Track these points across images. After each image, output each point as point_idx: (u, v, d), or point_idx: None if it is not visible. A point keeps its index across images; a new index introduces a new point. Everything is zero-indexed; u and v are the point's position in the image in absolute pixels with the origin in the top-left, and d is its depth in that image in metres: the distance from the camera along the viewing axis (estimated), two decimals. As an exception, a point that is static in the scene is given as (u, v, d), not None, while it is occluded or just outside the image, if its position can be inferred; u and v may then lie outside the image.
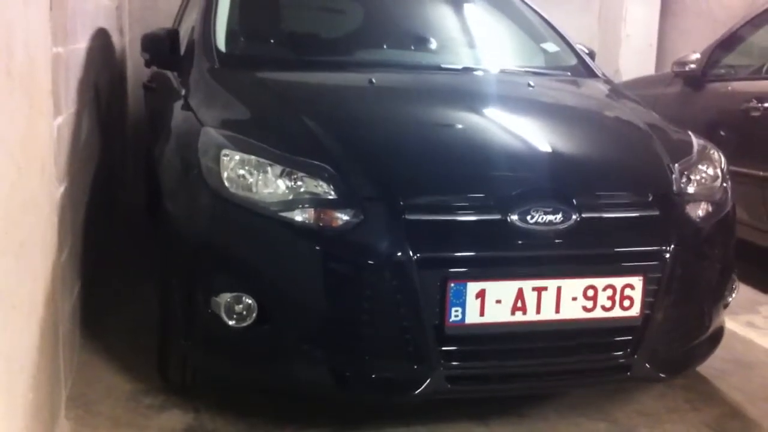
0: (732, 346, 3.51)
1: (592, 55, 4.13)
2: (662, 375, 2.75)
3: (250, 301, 2.49)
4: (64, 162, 3.00)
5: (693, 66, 5.19)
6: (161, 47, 3.48)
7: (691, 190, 2.83)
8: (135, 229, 4.92)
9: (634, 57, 7.55)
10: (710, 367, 3.19)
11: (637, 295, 2.55)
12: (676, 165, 2.84)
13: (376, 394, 2.57)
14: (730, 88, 4.99)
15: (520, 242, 2.49)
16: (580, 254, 2.57)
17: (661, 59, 7.73)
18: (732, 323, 3.74)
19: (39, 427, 2.26)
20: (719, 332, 3.00)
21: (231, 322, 2.50)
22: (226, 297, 2.49)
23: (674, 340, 2.74)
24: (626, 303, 2.55)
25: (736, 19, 5.24)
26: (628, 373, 2.65)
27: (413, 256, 2.40)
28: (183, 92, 3.33)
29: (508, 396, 2.91)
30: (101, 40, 4.53)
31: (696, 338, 2.85)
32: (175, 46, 3.51)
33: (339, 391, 2.57)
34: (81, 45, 3.71)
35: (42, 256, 2.38)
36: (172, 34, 3.53)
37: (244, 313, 2.49)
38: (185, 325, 2.69)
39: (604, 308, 2.54)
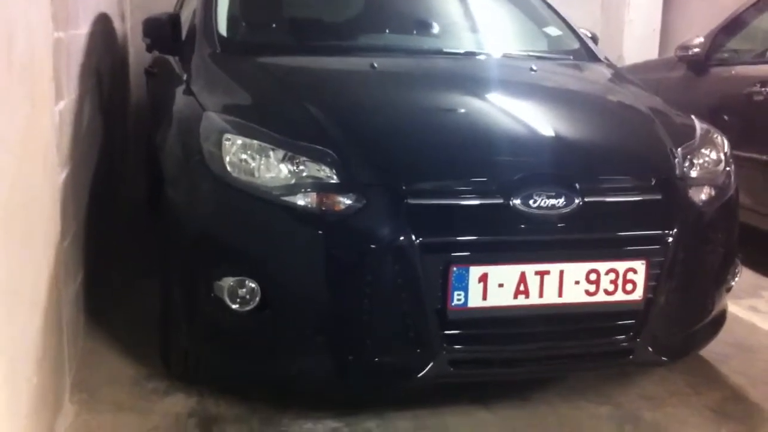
0: (734, 330, 3.50)
1: (595, 39, 4.11)
2: (664, 359, 2.75)
3: (253, 285, 2.49)
4: (66, 148, 3.00)
5: (696, 50, 5.18)
6: (163, 32, 3.47)
7: (693, 174, 2.82)
8: (137, 215, 4.92)
9: (637, 42, 7.54)
10: (712, 351, 3.19)
11: (639, 279, 2.56)
12: (679, 149, 2.83)
13: (379, 378, 2.58)
14: (733, 72, 4.98)
15: (522, 226, 2.49)
16: (583, 238, 2.57)
17: (664, 44, 7.72)
18: (735, 307, 3.74)
19: (44, 410, 2.27)
20: (722, 316, 3.00)
21: (234, 306, 2.50)
22: (229, 281, 2.50)
23: (676, 324, 2.75)
24: (629, 287, 2.55)
25: (739, 3, 5.21)
26: (631, 357, 2.66)
27: (415, 240, 2.40)
28: (185, 77, 3.33)
29: (511, 380, 2.92)
30: (103, 25, 4.51)
31: (698, 322, 2.85)
32: (177, 31, 3.50)
33: (342, 375, 2.57)
34: (82, 30, 3.70)
35: (45, 243, 2.38)
36: (174, 19, 3.52)
37: (248, 297, 2.50)
38: (188, 309, 2.70)
39: (606, 292, 2.54)
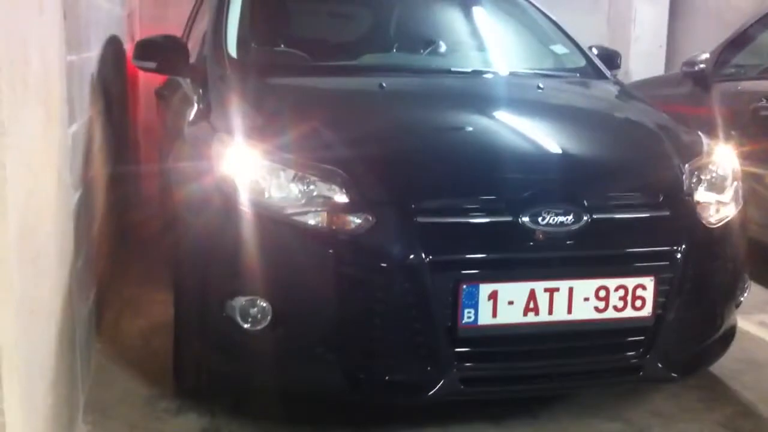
0: (744, 345, 3.51)
1: (615, 56, 4.15)
2: (674, 375, 2.75)
3: (264, 305, 2.51)
4: (79, 170, 3.03)
5: (702, 66, 5.20)
6: (169, 54, 3.48)
7: (701, 190, 2.84)
8: (149, 237, 4.95)
9: (643, 58, 7.58)
10: (723, 366, 3.20)
11: (648, 295, 2.57)
12: (686, 165, 2.84)
13: (390, 396, 2.60)
14: (739, 87, 5.00)
15: (531, 244, 2.51)
16: (592, 255, 2.59)
17: (670, 60, 7.74)
18: (744, 322, 3.74)
19: (58, 430, 2.29)
20: (731, 332, 3.00)
21: (246, 326, 2.52)
22: (240, 300, 2.52)
23: (686, 340, 2.75)
24: (638, 303, 2.56)
25: (744, 19, 5.24)
26: (641, 374, 2.67)
27: (425, 258, 2.42)
28: (195, 99, 3.36)
29: (521, 397, 2.92)
30: (113, 47, 4.57)
31: (708, 338, 2.86)
32: (182, 53, 3.52)
33: (353, 393, 2.58)
34: (94, 53, 3.75)
35: (59, 263, 2.40)
36: (174, 40, 3.54)
37: (259, 316, 2.52)
38: (200, 328, 2.73)
39: (616, 309, 2.55)
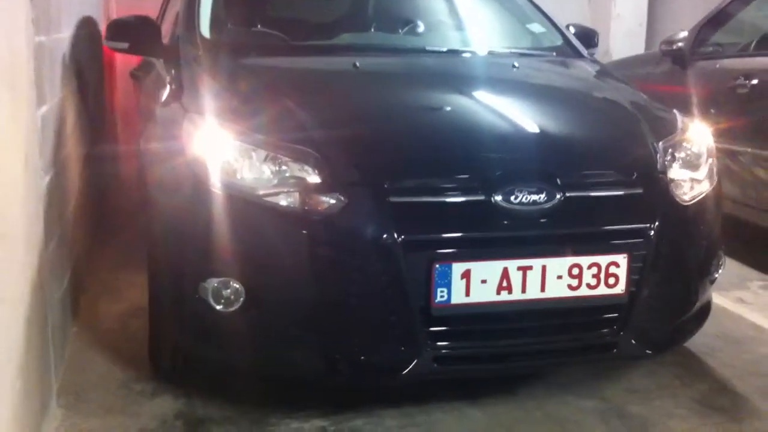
0: (722, 322, 3.53)
1: (592, 34, 4.14)
2: (649, 352, 2.76)
3: (237, 286, 2.49)
4: (50, 152, 3.00)
5: (680, 44, 5.19)
6: (142, 34, 3.44)
7: (675, 167, 2.83)
8: (125, 219, 4.92)
9: (624, 37, 7.57)
10: (700, 343, 3.22)
11: (622, 272, 2.57)
12: (660, 143, 2.84)
13: (364, 376, 2.60)
14: (717, 66, 4.99)
15: (504, 222, 2.50)
16: (565, 233, 2.58)
17: (651, 39, 7.74)
18: (722, 299, 3.78)
19: (28, 414, 2.27)
20: (706, 308, 3.02)
21: (219, 308, 2.51)
22: (213, 282, 2.50)
23: (660, 317, 2.76)
24: (611, 281, 2.56)
25: (726, -2, 5.24)
26: (615, 351, 2.68)
27: (398, 238, 2.41)
28: (168, 79, 3.33)
29: (498, 376, 2.93)
30: (87, 28, 4.52)
31: (682, 315, 2.87)
32: (155, 33, 3.48)
33: (327, 374, 2.58)
34: (65, 33, 3.71)
35: (26, 246, 2.38)
36: (147, 20, 3.49)
37: (232, 297, 2.50)
38: (174, 311, 2.71)
39: (589, 286, 2.55)
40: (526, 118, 2.92)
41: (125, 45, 3.49)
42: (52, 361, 2.73)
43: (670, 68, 5.37)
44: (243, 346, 2.60)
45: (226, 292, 2.51)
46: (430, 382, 2.81)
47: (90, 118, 4.41)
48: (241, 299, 2.50)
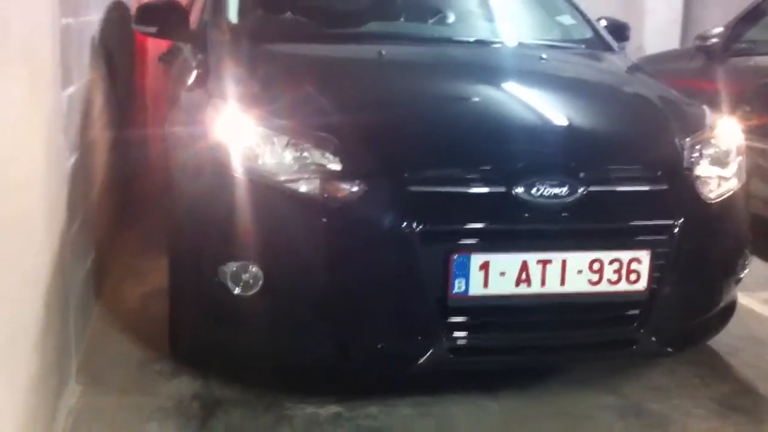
0: (748, 323, 3.47)
1: (623, 28, 4.09)
2: (669, 350, 2.73)
3: (256, 270, 2.49)
4: (75, 133, 3.02)
5: (715, 40, 5.12)
6: (169, 18, 3.45)
7: (702, 164, 2.79)
8: (152, 203, 4.94)
9: (658, 32, 7.49)
10: (723, 343, 3.17)
11: (643, 269, 2.54)
12: (687, 139, 2.80)
13: (380, 365, 2.60)
14: (752, 62, 4.92)
15: (524, 215, 2.48)
16: (586, 228, 2.56)
17: (686, 35, 7.64)
18: (749, 300, 3.71)
19: (45, 390, 2.29)
20: (730, 308, 2.97)
21: (237, 291, 2.51)
22: (232, 266, 2.51)
23: (682, 315, 2.73)
24: (633, 277, 2.53)
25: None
26: (634, 348, 2.65)
27: (417, 227, 2.40)
28: (194, 64, 3.34)
29: (516, 369, 2.91)
30: (118, 12, 4.54)
31: (705, 314, 2.83)
32: (182, 17, 3.48)
33: (342, 361, 2.59)
34: (95, 16, 3.73)
35: (47, 226, 2.39)
36: (175, 4, 3.50)
37: (251, 282, 2.50)
38: (193, 294, 2.73)
39: (610, 282, 2.52)
40: (550, 110, 2.89)
41: (153, 29, 3.50)
42: (73, 339, 2.76)
43: (704, 64, 5.29)
44: (260, 331, 2.61)
45: (245, 276, 2.51)
46: (447, 374, 2.80)
47: (119, 101, 4.43)
48: (260, 283, 2.50)
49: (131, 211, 4.71)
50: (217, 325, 2.71)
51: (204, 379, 2.84)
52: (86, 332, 3.12)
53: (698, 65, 5.34)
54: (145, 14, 3.50)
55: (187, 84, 3.25)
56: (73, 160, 2.91)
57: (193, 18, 3.77)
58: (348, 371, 2.72)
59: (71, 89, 2.91)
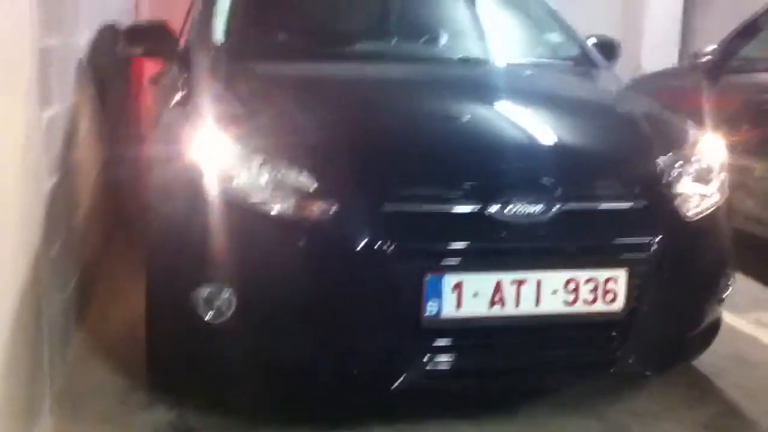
0: (736, 343, 3.42)
1: (613, 45, 4.07)
2: (648, 372, 2.69)
3: (229, 295, 2.46)
4: (57, 154, 3.00)
5: (709, 58, 5.09)
6: (155, 38, 3.45)
7: (682, 181, 2.76)
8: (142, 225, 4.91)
9: (656, 51, 7.46)
10: (711, 364, 3.12)
11: (621, 288, 2.50)
12: (668, 155, 2.76)
13: (354, 390, 2.56)
14: (747, 80, 4.89)
15: (498, 234, 2.45)
16: (561, 247, 2.52)
17: (685, 54, 7.62)
18: (739, 320, 3.66)
19: (13, 422, 2.26)
20: (713, 328, 2.92)
21: (210, 316, 2.48)
22: (205, 290, 2.48)
23: (661, 336, 2.67)
24: (609, 297, 2.50)
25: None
26: (612, 369, 2.61)
27: (389, 247, 2.37)
28: (178, 84, 3.33)
29: (497, 393, 2.86)
30: (109, 33, 4.53)
31: (686, 334, 2.79)
32: (168, 37, 3.49)
33: (317, 387, 2.55)
34: (82, 37, 3.72)
35: (19, 250, 2.37)
36: (162, 24, 3.50)
37: (224, 307, 2.47)
38: (167, 318, 2.68)
39: (586, 302, 2.49)
40: (527, 127, 2.85)
41: (140, 50, 3.51)
42: (47, 365, 2.71)
43: (699, 82, 5.25)
44: (232, 357, 2.55)
45: (219, 301, 2.47)
46: (427, 399, 2.74)
47: (110, 123, 4.42)
48: (232, 308, 2.46)
49: (121, 233, 4.69)
50: (189, 351, 2.66)
51: (180, 408, 2.78)
52: (67, 358, 3.08)
53: (694, 83, 5.30)
54: (132, 36, 3.51)
55: (170, 104, 3.24)
56: (53, 181, 2.89)
57: (183, 39, 3.77)
58: (323, 397, 2.67)
59: (51, 110, 2.89)
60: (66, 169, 3.15)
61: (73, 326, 3.30)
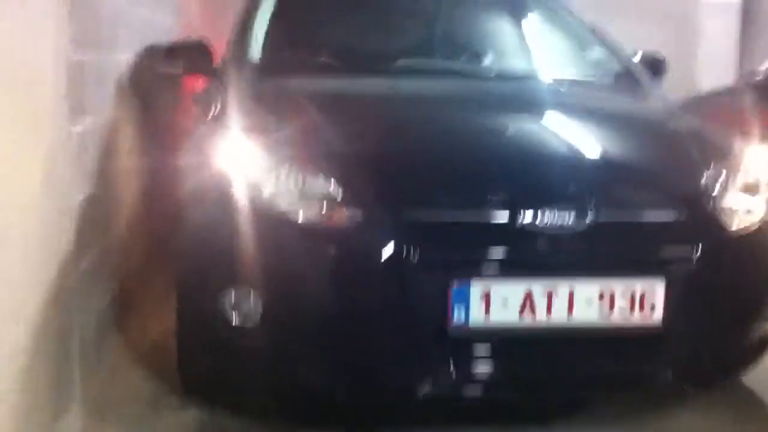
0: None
1: (660, 62, 4.01)
2: (689, 387, 2.59)
3: (256, 301, 2.44)
4: (89, 168, 3.02)
5: (761, 77, 4.98)
6: (191, 57, 3.52)
7: (727, 194, 2.67)
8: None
9: (711, 69, 7.31)
10: (760, 381, 2.98)
11: (658, 300, 2.42)
12: (712, 168, 2.69)
13: (380, 398, 2.53)
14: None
15: (528, 242, 2.40)
16: (595, 256, 2.46)
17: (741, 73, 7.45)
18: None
19: (33, 420, 2.26)
20: (761, 345, 2.78)
21: (237, 322, 2.47)
22: (232, 296, 2.47)
23: (703, 351, 2.57)
24: (647, 309, 2.41)
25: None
26: (650, 385, 2.52)
27: (415, 256, 2.33)
28: (213, 101, 3.35)
29: (531, 406, 2.79)
30: (153, 53, 4.57)
31: (729, 350, 2.67)
32: (206, 55, 3.53)
33: (341, 394, 2.52)
34: (121, 55, 3.76)
35: (46, 264, 2.38)
36: (201, 43, 3.57)
37: (251, 313, 2.46)
38: (194, 324, 2.68)
39: (622, 313, 2.41)
40: (561, 139, 2.79)
41: (179, 69, 3.56)
42: (76, 373, 2.72)
43: (752, 100, 5.13)
44: (259, 364, 2.54)
45: (245, 307, 2.46)
46: (457, 411, 2.69)
47: (157, 139, 4.44)
48: (260, 314, 2.45)
49: (161, 246, 4.70)
50: (218, 356, 2.65)
51: (212, 411, 2.79)
52: (101, 366, 3.08)
53: (748, 102, 5.18)
54: (171, 54, 3.55)
55: (204, 118, 3.26)
56: (85, 194, 2.90)
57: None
58: (348, 405, 2.63)
59: (84, 125, 2.91)
60: (101, 182, 3.17)
61: (110, 336, 3.30)
